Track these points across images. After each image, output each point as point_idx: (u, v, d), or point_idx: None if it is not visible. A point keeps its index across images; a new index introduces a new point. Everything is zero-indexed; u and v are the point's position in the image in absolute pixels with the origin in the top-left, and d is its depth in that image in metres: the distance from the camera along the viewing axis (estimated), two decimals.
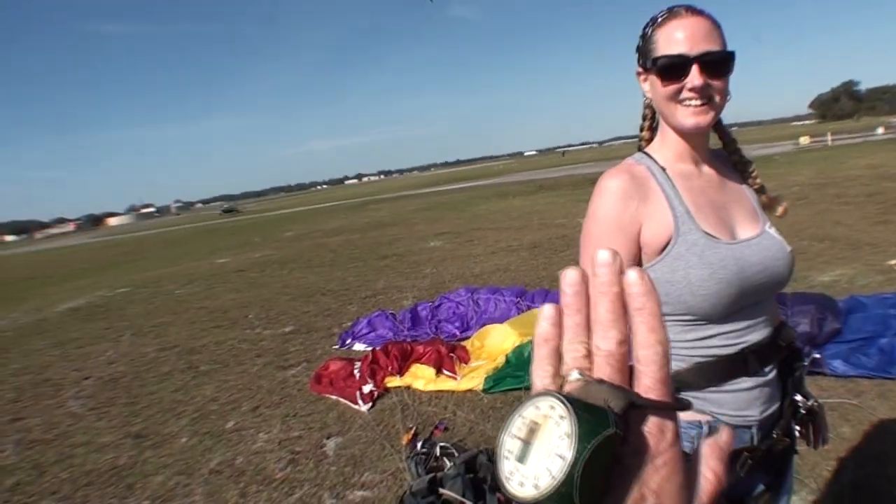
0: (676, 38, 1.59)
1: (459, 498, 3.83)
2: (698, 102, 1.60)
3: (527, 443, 0.46)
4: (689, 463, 0.53)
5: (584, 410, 0.44)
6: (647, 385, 0.49)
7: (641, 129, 1.85)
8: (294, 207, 72.73)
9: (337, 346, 7.93)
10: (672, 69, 1.60)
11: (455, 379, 5.90)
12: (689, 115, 1.61)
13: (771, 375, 1.69)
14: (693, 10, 1.62)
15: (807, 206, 14.58)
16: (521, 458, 0.46)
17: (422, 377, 5.99)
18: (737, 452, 1.60)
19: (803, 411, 1.77)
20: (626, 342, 0.49)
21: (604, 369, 0.48)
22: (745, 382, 1.64)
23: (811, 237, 10.60)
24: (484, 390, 5.64)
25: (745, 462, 1.62)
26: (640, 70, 1.73)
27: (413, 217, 27.89)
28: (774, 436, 1.69)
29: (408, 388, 5.99)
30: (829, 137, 49.89)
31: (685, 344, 1.62)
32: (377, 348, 6.62)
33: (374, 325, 7.96)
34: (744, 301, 1.59)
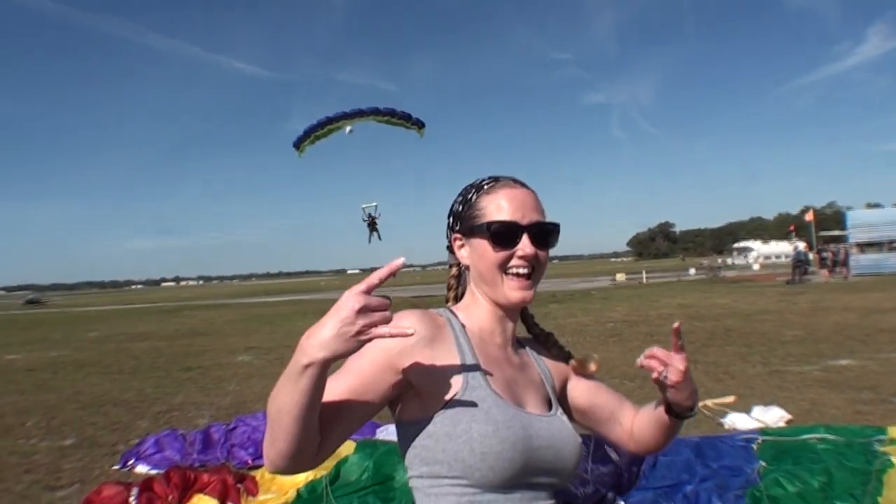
0: (507, 207, 1.60)
1: None
2: (525, 271, 1.60)
3: None
4: None
5: None
6: None
7: (447, 300, 1.78)
8: (104, 306, 68.88)
9: (118, 467, 7.28)
10: (504, 236, 1.58)
11: None
12: (516, 288, 1.60)
13: None
14: (518, 182, 1.66)
15: (619, 343, 15.03)
16: None
17: None
18: None
19: None
20: None
21: None
22: None
23: (622, 375, 10.78)
24: None
25: None
26: (458, 236, 1.70)
27: (226, 328, 27.03)
28: None
29: None
30: (643, 275, 52.56)
31: None
32: (158, 474, 6.07)
33: (162, 446, 7.39)
34: (525, 474, 1.48)
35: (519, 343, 1.78)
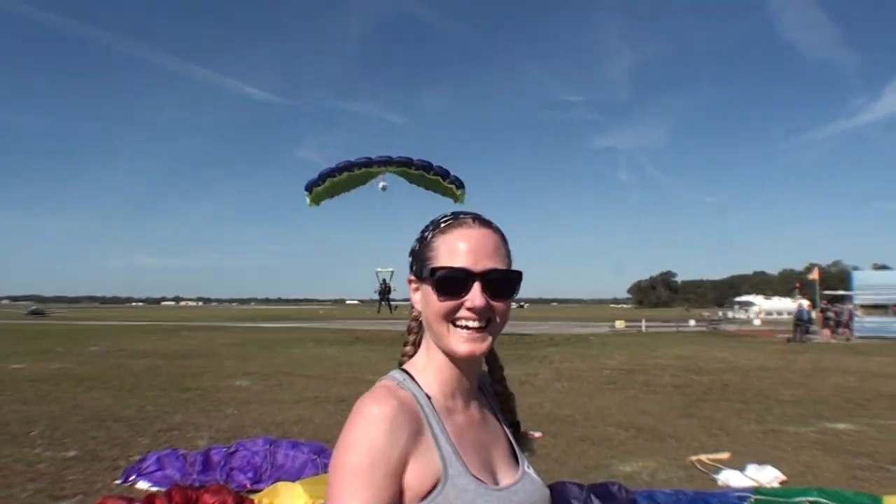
0: (459, 250, 1.42)
1: None
2: (476, 325, 1.42)
3: None
4: None
5: None
6: None
7: (405, 344, 1.62)
8: (106, 321, 68.83)
9: (119, 482, 7.42)
10: (451, 284, 1.41)
11: None
12: (464, 340, 1.42)
13: None
14: (481, 221, 1.48)
15: (615, 392, 15.02)
16: None
17: None
18: None
19: None
20: None
21: None
22: None
23: (617, 424, 10.82)
24: None
25: None
26: (413, 277, 1.52)
27: (224, 351, 27.09)
28: None
29: None
30: (643, 324, 52.33)
31: None
32: (160, 491, 6.15)
33: (163, 464, 7.53)
34: None
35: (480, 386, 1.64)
